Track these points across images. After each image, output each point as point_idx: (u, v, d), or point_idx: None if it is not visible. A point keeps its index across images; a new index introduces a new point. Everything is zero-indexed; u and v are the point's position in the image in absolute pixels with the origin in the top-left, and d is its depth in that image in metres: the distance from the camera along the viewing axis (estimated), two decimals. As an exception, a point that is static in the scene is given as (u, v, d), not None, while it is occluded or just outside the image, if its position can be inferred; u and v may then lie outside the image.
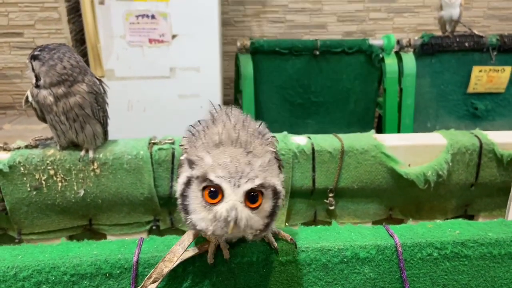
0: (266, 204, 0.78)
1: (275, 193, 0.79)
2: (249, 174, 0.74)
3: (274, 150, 0.88)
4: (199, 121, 0.93)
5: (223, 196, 0.74)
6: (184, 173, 0.79)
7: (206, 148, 0.81)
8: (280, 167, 0.89)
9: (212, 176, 0.74)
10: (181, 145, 0.93)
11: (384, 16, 3.80)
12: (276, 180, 0.79)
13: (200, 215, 0.76)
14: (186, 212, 0.79)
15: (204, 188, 0.75)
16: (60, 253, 0.89)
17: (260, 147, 0.84)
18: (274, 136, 0.93)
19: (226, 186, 0.73)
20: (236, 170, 0.74)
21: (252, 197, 0.75)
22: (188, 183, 0.78)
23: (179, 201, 0.80)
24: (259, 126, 0.91)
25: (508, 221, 1.06)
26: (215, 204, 0.74)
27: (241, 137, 0.82)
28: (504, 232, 1.00)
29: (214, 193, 0.74)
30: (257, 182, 0.74)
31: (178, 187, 0.80)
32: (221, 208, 0.73)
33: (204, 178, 0.75)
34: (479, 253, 0.98)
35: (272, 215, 0.80)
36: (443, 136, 1.62)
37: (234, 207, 0.73)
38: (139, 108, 2.99)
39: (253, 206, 0.76)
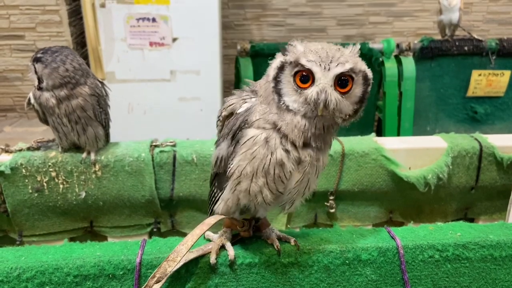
0: (357, 89, 0.82)
1: (365, 79, 0.82)
2: (339, 59, 0.78)
3: None
4: None
5: (313, 80, 0.79)
6: (278, 58, 0.83)
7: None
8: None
9: (303, 61, 0.78)
10: (223, 109, 0.95)
11: (383, 20, 3.82)
12: (366, 67, 0.82)
13: (293, 97, 0.81)
14: (279, 95, 0.82)
15: (296, 73, 0.80)
16: (64, 254, 0.90)
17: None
18: None
19: (316, 70, 0.78)
20: (326, 55, 0.78)
21: (342, 81, 0.79)
22: (281, 68, 0.82)
23: (271, 85, 0.83)
24: None
25: (509, 223, 1.07)
26: (306, 88, 0.79)
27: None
28: (505, 234, 1.01)
29: (305, 77, 0.79)
30: (347, 66, 0.78)
31: (271, 71, 0.84)
32: (312, 91, 0.78)
33: (296, 63, 0.79)
34: (480, 255, 0.98)
35: (361, 101, 0.83)
36: (444, 139, 1.63)
37: (324, 89, 0.77)
38: (140, 111, 2.99)
39: (344, 90, 0.80)
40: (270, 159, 0.84)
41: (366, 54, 2.99)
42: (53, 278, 0.87)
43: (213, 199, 1.00)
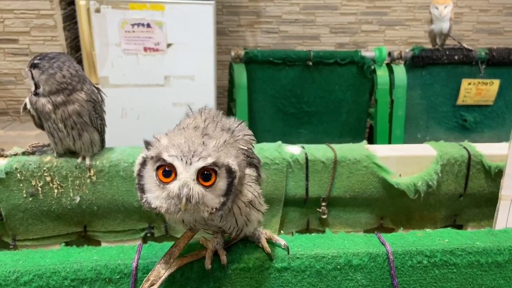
0: (221, 183, 0.81)
1: (230, 172, 0.81)
2: (201, 153, 0.77)
3: (244, 147, 0.91)
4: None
5: (176, 175, 0.78)
6: (141, 154, 0.82)
7: (168, 133, 0.84)
8: (251, 164, 0.91)
9: (165, 156, 0.77)
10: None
11: (376, 28, 3.87)
12: (231, 160, 0.81)
13: (155, 193, 0.80)
14: (142, 191, 0.81)
15: (158, 168, 0.79)
16: (61, 258, 0.91)
17: (219, 132, 0.87)
18: (251, 135, 0.96)
19: (178, 164, 0.77)
20: (189, 149, 0.77)
21: (205, 175, 0.78)
22: (143, 164, 0.81)
23: (136, 181, 0.83)
24: (238, 125, 0.94)
25: (495, 230, 1.10)
26: (168, 183, 0.78)
27: (208, 128, 0.86)
28: (491, 241, 1.04)
29: (167, 172, 0.78)
30: (209, 160, 0.77)
31: (135, 167, 0.83)
32: (174, 186, 0.77)
33: (158, 158, 0.78)
34: (467, 261, 1.01)
35: (227, 194, 0.82)
36: (433, 147, 1.66)
37: (186, 184, 0.76)
38: (133, 116, 3.00)
39: (207, 184, 0.79)
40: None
41: (358, 62, 3.03)
42: (50, 282, 0.88)
43: None
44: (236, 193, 0.85)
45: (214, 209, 0.81)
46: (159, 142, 0.80)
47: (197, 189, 0.77)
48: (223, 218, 0.87)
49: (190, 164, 0.76)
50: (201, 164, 0.77)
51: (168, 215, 0.82)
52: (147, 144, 0.81)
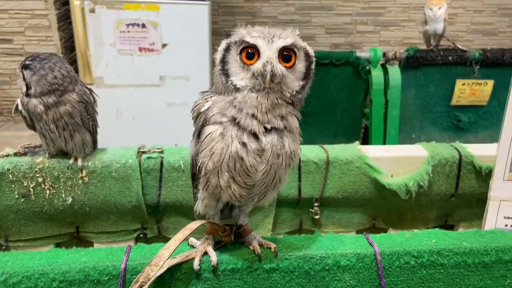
0: (300, 65, 0.88)
1: (307, 55, 0.88)
2: (281, 35, 0.84)
3: None
4: None
5: (259, 55, 0.84)
6: (224, 41, 0.88)
7: None
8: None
9: (248, 38, 0.84)
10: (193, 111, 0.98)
11: (371, 29, 3.88)
12: (308, 45, 0.88)
13: (240, 75, 0.86)
14: (227, 75, 0.87)
15: (241, 51, 0.85)
16: (49, 260, 0.91)
17: None
18: None
19: (261, 43, 0.83)
20: (269, 32, 0.84)
21: (285, 56, 0.85)
22: (227, 49, 0.87)
23: (218, 67, 0.88)
24: None
25: (482, 231, 1.11)
26: (252, 64, 0.84)
27: None
28: (478, 242, 1.05)
29: (251, 54, 0.85)
30: (289, 40, 0.84)
31: (218, 54, 0.89)
32: (258, 64, 0.83)
33: (241, 41, 0.85)
34: (454, 262, 1.02)
35: (306, 77, 0.89)
36: (425, 148, 1.67)
37: (269, 61, 0.82)
38: (128, 116, 3.00)
39: (287, 65, 0.85)
40: (228, 153, 0.86)
41: (353, 63, 3.04)
42: (39, 283, 0.88)
43: (195, 199, 1.04)
44: (301, 103, 0.92)
45: (294, 91, 0.87)
46: (239, 30, 0.87)
47: (279, 67, 0.83)
48: (269, 168, 0.88)
49: (272, 42, 0.82)
50: (282, 43, 0.83)
51: (252, 98, 0.84)
52: (228, 34, 0.88)
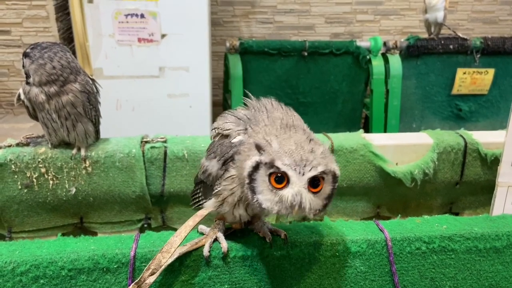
0: (327, 188, 0.85)
1: (334, 178, 0.85)
2: (312, 162, 0.80)
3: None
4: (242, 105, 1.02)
5: (288, 181, 0.81)
6: (253, 157, 0.84)
7: (271, 131, 0.88)
8: None
9: (279, 164, 0.80)
10: (220, 129, 0.98)
11: (371, 18, 3.86)
12: (335, 165, 0.85)
13: (267, 196, 0.83)
14: (253, 192, 0.84)
15: (271, 174, 0.82)
16: (58, 248, 0.90)
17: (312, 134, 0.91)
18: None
19: (292, 174, 0.80)
20: (301, 158, 0.80)
21: (314, 182, 0.82)
22: (256, 167, 0.84)
23: (246, 181, 0.85)
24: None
25: (493, 216, 1.10)
26: (281, 188, 0.82)
27: (296, 123, 0.92)
28: (489, 227, 1.04)
29: (280, 178, 0.82)
30: (319, 169, 0.81)
31: (246, 168, 0.84)
32: (287, 193, 0.81)
33: (271, 164, 0.81)
34: (465, 247, 1.01)
35: (330, 196, 0.86)
36: (430, 135, 1.66)
37: (300, 193, 0.80)
38: (128, 108, 2.98)
39: (315, 190, 0.83)
40: (245, 197, 0.88)
41: (354, 52, 3.02)
42: (47, 272, 0.87)
43: (196, 199, 1.06)
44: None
45: (317, 211, 0.85)
46: (270, 146, 0.83)
47: (308, 198, 0.81)
48: None
49: (303, 174, 0.80)
50: (313, 173, 0.80)
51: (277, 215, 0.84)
52: (259, 148, 0.84)
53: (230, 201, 0.92)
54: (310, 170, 0.80)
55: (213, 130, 1.01)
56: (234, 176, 0.90)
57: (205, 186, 1.02)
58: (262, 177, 0.83)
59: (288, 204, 0.80)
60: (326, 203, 0.86)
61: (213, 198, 0.96)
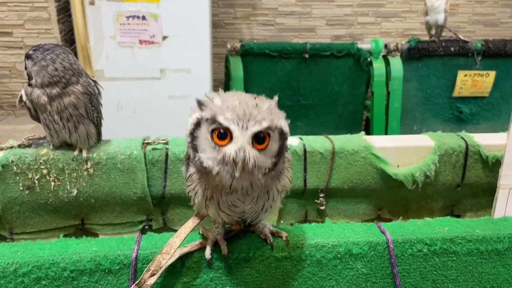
0: (273, 145, 0.81)
1: (282, 134, 0.81)
2: (257, 117, 0.77)
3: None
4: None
5: (231, 137, 0.77)
6: (194, 114, 0.81)
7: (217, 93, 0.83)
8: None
9: (221, 119, 0.76)
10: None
11: (372, 20, 3.86)
12: (283, 122, 0.81)
13: (209, 154, 0.79)
14: (195, 150, 0.81)
15: (213, 130, 0.78)
16: (60, 250, 0.90)
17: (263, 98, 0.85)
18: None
19: (234, 128, 0.76)
20: (244, 113, 0.76)
21: (259, 138, 0.78)
22: (198, 124, 0.80)
23: (188, 140, 0.82)
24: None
25: (495, 219, 1.10)
26: (223, 145, 0.78)
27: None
28: (490, 229, 1.04)
29: (223, 135, 0.77)
30: (264, 124, 0.77)
31: (188, 126, 0.82)
32: (230, 149, 0.76)
33: (213, 120, 0.77)
34: (467, 250, 1.01)
35: (279, 155, 0.82)
36: (431, 138, 1.67)
37: (242, 148, 0.76)
38: (129, 109, 2.98)
39: (261, 147, 0.79)
40: (208, 197, 0.86)
41: (355, 54, 3.03)
42: (49, 273, 0.88)
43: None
44: (278, 173, 0.86)
45: (266, 170, 0.81)
46: (212, 102, 0.79)
47: (252, 153, 0.77)
48: (256, 200, 0.88)
49: (247, 128, 0.76)
50: (257, 128, 0.76)
51: (222, 179, 0.80)
52: (200, 104, 0.80)
53: (197, 202, 0.89)
54: (254, 124, 0.76)
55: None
56: (192, 173, 0.86)
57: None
58: (204, 134, 0.80)
59: (230, 160, 0.76)
60: (275, 162, 0.82)
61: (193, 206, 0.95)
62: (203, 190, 0.86)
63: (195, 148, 0.81)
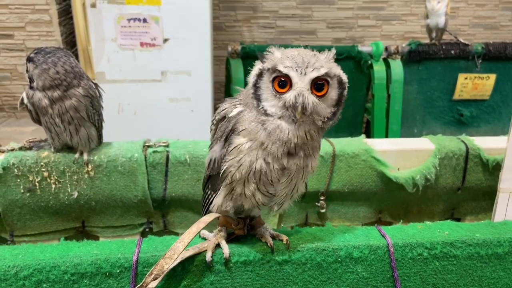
0: (332, 93, 0.86)
1: (341, 83, 0.86)
2: (315, 64, 0.82)
3: None
4: None
5: (291, 85, 0.82)
6: (257, 66, 0.86)
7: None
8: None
9: (280, 67, 0.82)
10: (217, 114, 0.98)
11: (372, 23, 3.87)
12: (341, 71, 0.86)
13: (271, 102, 0.85)
14: (259, 100, 0.86)
15: (274, 79, 0.84)
16: (61, 253, 0.91)
17: None
18: None
19: (293, 75, 0.81)
20: (302, 60, 0.82)
21: (318, 85, 0.83)
22: (260, 75, 0.86)
23: (251, 91, 0.87)
24: None
25: (495, 222, 1.11)
26: (284, 93, 0.83)
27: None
28: (491, 233, 1.05)
29: (283, 82, 0.83)
30: (322, 71, 0.82)
31: (251, 78, 0.87)
32: (290, 95, 0.82)
33: (274, 69, 0.83)
34: (467, 253, 1.01)
35: (338, 104, 0.87)
36: (431, 141, 1.67)
37: (301, 93, 0.81)
38: (130, 111, 2.99)
39: (320, 94, 0.84)
40: (255, 167, 0.87)
41: (355, 57, 3.03)
42: (50, 276, 0.88)
43: (207, 201, 1.03)
44: (314, 148, 0.90)
45: (326, 118, 0.86)
46: (273, 55, 0.85)
47: (311, 99, 0.82)
48: (293, 175, 0.90)
49: (305, 74, 0.81)
50: (315, 74, 0.81)
51: (283, 127, 0.84)
52: (262, 57, 0.86)
53: (239, 176, 0.89)
54: (312, 71, 0.81)
55: (212, 126, 1.00)
56: (239, 145, 0.88)
57: (212, 179, 1.00)
58: (265, 83, 0.85)
59: (290, 105, 0.81)
60: (334, 111, 0.86)
61: (222, 187, 0.94)
62: (252, 158, 0.87)
63: (258, 98, 0.86)
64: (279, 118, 0.84)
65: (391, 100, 3.07)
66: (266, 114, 0.85)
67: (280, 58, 0.83)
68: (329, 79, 0.83)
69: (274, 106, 0.84)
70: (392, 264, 0.99)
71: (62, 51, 1.41)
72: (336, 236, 1.02)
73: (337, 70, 0.85)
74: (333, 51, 0.87)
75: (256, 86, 0.86)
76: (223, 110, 0.95)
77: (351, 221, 1.72)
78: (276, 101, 0.84)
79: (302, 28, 3.82)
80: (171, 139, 1.60)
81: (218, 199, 0.97)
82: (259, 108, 0.85)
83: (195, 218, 1.39)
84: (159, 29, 2.85)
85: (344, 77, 0.86)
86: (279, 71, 0.82)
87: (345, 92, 0.87)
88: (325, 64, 0.83)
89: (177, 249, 0.88)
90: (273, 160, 0.87)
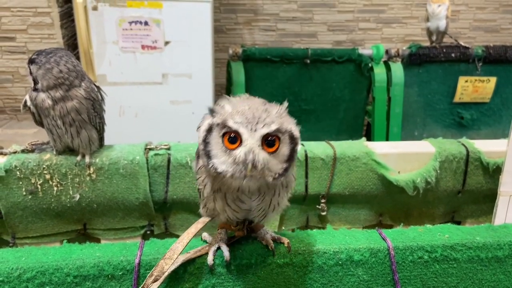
0: (284, 148, 0.84)
1: (292, 138, 0.84)
2: (265, 120, 0.80)
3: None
4: None
5: (241, 141, 0.80)
6: (206, 120, 0.84)
7: (229, 100, 0.86)
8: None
9: (230, 122, 0.80)
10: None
11: (373, 26, 3.88)
12: (293, 126, 0.84)
13: (221, 159, 0.82)
14: (208, 157, 0.84)
15: (224, 134, 0.82)
16: (63, 255, 0.91)
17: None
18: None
19: (243, 131, 0.79)
20: (253, 116, 0.80)
21: (269, 141, 0.81)
22: (209, 130, 0.84)
23: (201, 147, 0.85)
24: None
25: (495, 226, 1.11)
26: (234, 149, 0.81)
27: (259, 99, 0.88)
28: (491, 236, 1.05)
29: (233, 138, 0.81)
30: (273, 127, 0.80)
31: (200, 133, 0.85)
32: (240, 152, 0.79)
33: (223, 125, 0.81)
34: (467, 257, 1.02)
35: (290, 159, 0.85)
36: (432, 144, 1.67)
37: (251, 150, 0.79)
38: (131, 114, 3.00)
39: (271, 150, 0.82)
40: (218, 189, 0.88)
41: (356, 60, 3.04)
42: (53, 278, 0.88)
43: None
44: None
45: (277, 174, 0.83)
46: (223, 108, 0.83)
47: (262, 155, 0.80)
48: (263, 195, 0.90)
49: (255, 130, 0.79)
50: (265, 130, 0.79)
51: (234, 181, 0.83)
52: (212, 111, 0.84)
53: (206, 194, 0.90)
54: (263, 127, 0.79)
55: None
56: (202, 166, 0.88)
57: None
58: (215, 139, 0.83)
59: (240, 162, 0.79)
60: (286, 167, 0.84)
61: (200, 200, 0.96)
62: (211, 182, 0.88)
63: (208, 155, 0.84)
64: (231, 176, 0.81)
65: (392, 103, 3.07)
66: (216, 172, 0.83)
67: (230, 113, 0.81)
68: (280, 135, 0.82)
69: (224, 162, 0.82)
70: (392, 267, 1.00)
71: (62, 50, 1.42)
72: (337, 239, 1.03)
73: (289, 125, 0.83)
74: (285, 104, 0.86)
75: (205, 142, 0.84)
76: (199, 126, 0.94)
77: (351, 224, 1.72)
78: (226, 157, 0.82)
79: (302, 31, 3.84)
80: (172, 142, 1.61)
81: (201, 209, 1.00)
82: (209, 166, 0.83)
83: (196, 220, 1.40)
84: (160, 32, 2.86)
85: (296, 133, 0.84)
86: (229, 127, 0.80)
87: (298, 148, 0.85)
88: (276, 119, 0.81)
89: (176, 249, 0.88)
90: (234, 202, 0.88)
